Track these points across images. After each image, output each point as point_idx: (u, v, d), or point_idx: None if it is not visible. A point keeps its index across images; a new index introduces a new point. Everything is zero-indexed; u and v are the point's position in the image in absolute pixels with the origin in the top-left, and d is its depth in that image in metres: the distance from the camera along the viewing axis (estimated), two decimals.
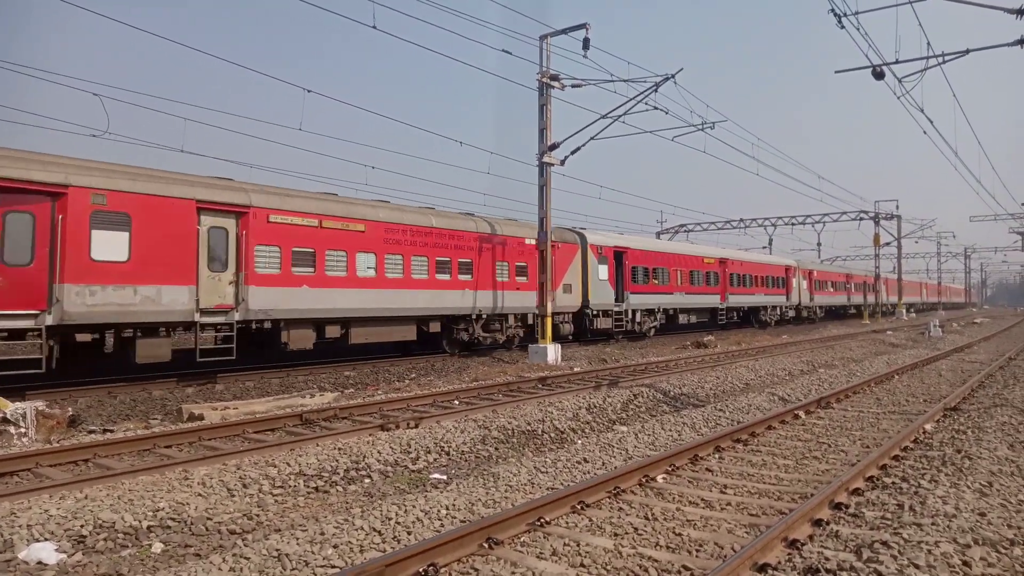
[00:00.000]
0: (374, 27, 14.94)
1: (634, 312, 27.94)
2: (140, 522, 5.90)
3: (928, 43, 15.37)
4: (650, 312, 29.12)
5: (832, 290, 51.60)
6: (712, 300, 34.27)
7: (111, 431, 9.83)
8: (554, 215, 20.36)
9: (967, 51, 15.69)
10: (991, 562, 4.65)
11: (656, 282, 29.43)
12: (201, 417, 10.73)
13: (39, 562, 5.16)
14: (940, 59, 15.60)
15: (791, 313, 43.92)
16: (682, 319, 32.25)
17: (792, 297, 43.73)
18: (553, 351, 19.19)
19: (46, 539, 5.45)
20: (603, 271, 25.93)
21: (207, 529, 5.97)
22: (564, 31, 18.97)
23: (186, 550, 5.56)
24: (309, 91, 17.49)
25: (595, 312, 25.42)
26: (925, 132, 20.58)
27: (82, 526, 5.70)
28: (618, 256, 27.20)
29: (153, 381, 14.44)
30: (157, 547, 5.56)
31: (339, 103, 77.06)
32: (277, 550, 5.00)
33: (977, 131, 25.16)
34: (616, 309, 26.66)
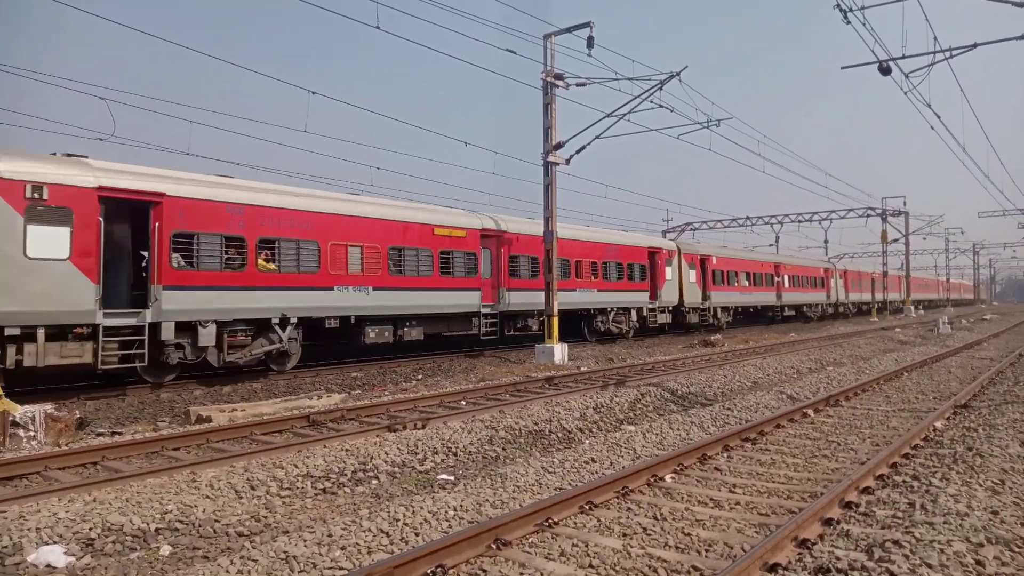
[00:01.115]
0: (377, 27, 14.96)
1: (203, 327, 14.05)
2: (148, 524, 5.90)
3: (935, 37, 15.28)
4: (224, 327, 14.51)
5: (748, 285, 37.41)
6: (465, 300, 20.06)
7: (119, 434, 9.86)
8: (559, 213, 20.30)
9: (975, 45, 15.59)
10: (1005, 561, 4.60)
11: (230, 265, 14.67)
12: (209, 419, 10.75)
13: (48, 565, 5.16)
14: (947, 54, 15.50)
15: (661, 318, 29.25)
16: (374, 334, 17.51)
17: (665, 294, 29.38)
18: (560, 351, 19.15)
19: (55, 542, 5.46)
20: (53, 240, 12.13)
21: (215, 531, 5.97)
22: (568, 30, 18.93)
23: (194, 552, 5.56)
24: (314, 93, 17.51)
25: None
26: (932, 127, 20.49)
27: (91, 529, 5.70)
28: (140, 214, 13.85)
29: (160, 383, 14.47)
30: (165, 549, 5.57)
31: (344, 104, 77.23)
32: (285, 552, 4.99)
33: (985, 126, 24.94)
34: (122, 323, 12.99)
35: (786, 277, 42.35)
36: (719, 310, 34.07)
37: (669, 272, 29.93)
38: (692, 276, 31.69)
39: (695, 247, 33.55)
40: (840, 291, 51.30)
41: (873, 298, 56.52)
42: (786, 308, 43.33)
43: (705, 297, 32.76)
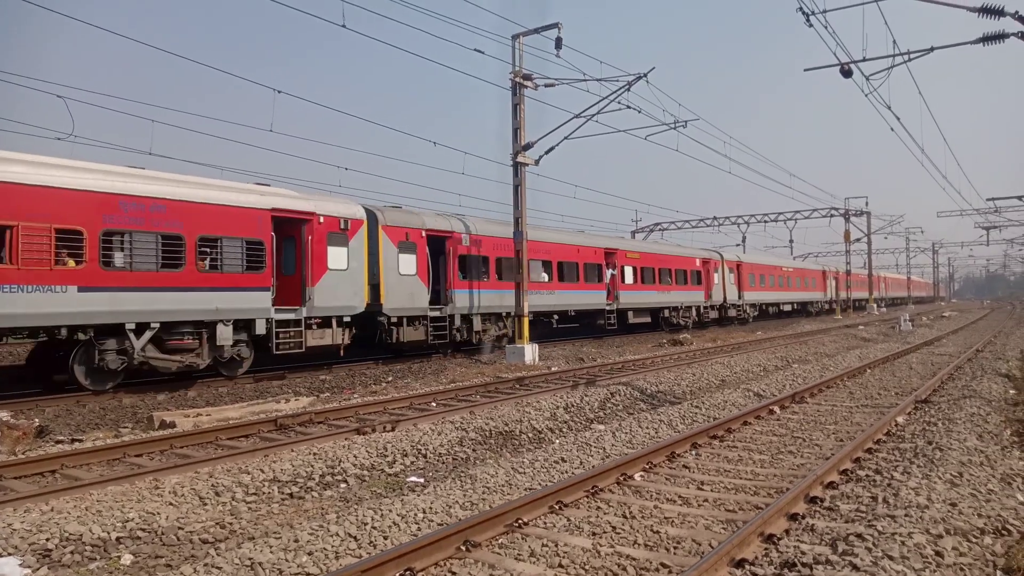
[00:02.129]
0: (343, 26, 14.81)
1: None
2: (109, 533, 5.75)
3: (894, 41, 15.63)
4: None
5: (548, 280, 24.69)
6: None
7: (79, 441, 9.60)
8: (529, 216, 20.32)
9: (931, 49, 15.96)
10: (963, 551, 4.72)
11: None
12: (173, 425, 10.53)
13: None
14: (906, 57, 15.86)
15: (314, 336, 16.62)
16: None
17: (321, 294, 16.51)
18: (530, 351, 19.18)
19: (9, 554, 5.29)
20: None
21: (178, 539, 5.84)
22: (536, 30, 18.95)
23: (157, 561, 5.43)
24: (279, 92, 17.28)
25: None
26: (892, 129, 20.94)
27: (47, 539, 5.54)
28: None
29: (123, 389, 14.14)
30: (127, 559, 5.43)
31: (311, 104, 76.49)
32: (250, 559, 4.90)
33: (943, 128, 25.65)
34: None
35: (628, 270, 29.28)
36: (477, 318, 21.29)
37: (340, 257, 17.15)
38: (409, 265, 19.16)
39: (419, 218, 19.99)
40: (729, 289, 38.15)
41: (835, 296, 57.31)
42: (630, 313, 29.86)
43: (443, 299, 20.40)
